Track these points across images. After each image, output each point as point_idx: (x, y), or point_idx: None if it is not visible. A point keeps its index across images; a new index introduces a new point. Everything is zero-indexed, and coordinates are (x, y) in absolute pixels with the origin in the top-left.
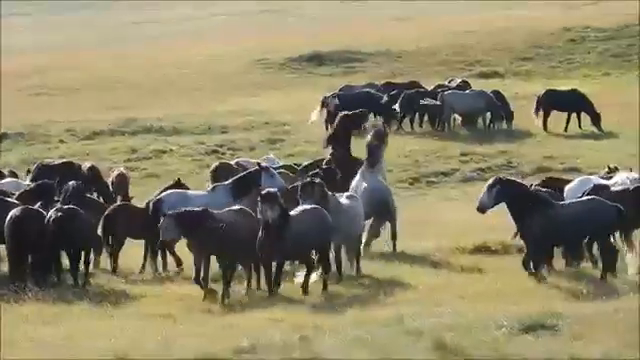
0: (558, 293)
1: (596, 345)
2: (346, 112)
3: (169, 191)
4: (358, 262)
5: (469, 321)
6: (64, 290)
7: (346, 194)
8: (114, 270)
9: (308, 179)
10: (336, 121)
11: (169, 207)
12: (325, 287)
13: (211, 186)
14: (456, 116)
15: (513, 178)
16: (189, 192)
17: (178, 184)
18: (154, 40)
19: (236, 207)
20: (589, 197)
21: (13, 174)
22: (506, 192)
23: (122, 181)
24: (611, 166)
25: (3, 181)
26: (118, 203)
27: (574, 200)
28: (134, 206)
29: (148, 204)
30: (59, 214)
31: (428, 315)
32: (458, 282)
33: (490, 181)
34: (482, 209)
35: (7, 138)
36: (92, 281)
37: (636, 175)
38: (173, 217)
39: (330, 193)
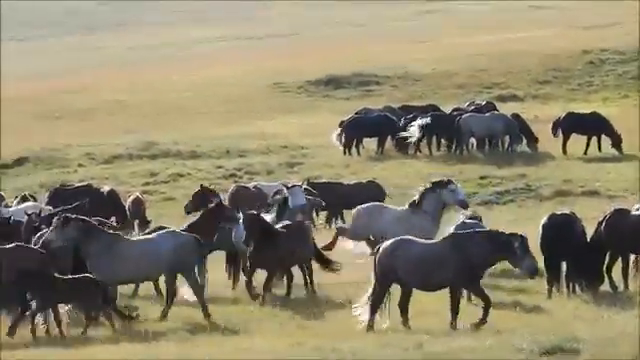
0: (577, 316)
1: None
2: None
3: None
4: None
5: (488, 345)
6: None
7: (158, 234)
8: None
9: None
10: None
11: None
12: None
13: None
14: (472, 139)
15: None
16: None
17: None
18: (168, 63)
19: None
20: None
21: (32, 198)
22: None
23: (138, 205)
24: None
25: (24, 205)
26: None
27: None
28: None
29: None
30: None
31: (447, 339)
32: (479, 306)
33: None
34: None
35: (26, 162)
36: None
37: None
38: None
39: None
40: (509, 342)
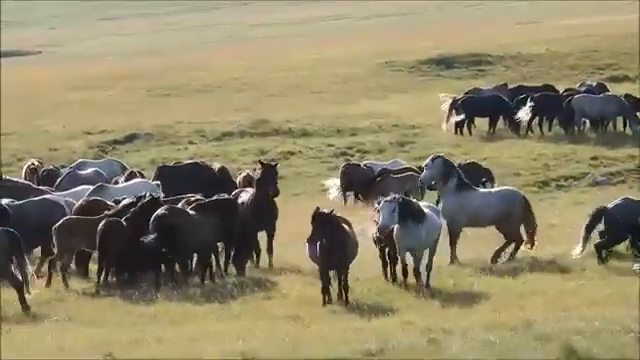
0: None
1: None
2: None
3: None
4: None
5: (598, 326)
6: (193, 290)
7: None
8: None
9: None
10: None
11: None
12: None
13: None
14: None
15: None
16: None
17: None
18: (279, 42)
19: None
20: None
21: (141, 175)
22: None
23: (248, 183)
24: None
25: (133, 181)
26: None
27: None
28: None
29: None
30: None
31: (556, 320)
32: (588, 287)
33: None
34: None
35: (136, 139)
36: (219, 282)
37: None
38: None
39: None
40: (618, 323)
